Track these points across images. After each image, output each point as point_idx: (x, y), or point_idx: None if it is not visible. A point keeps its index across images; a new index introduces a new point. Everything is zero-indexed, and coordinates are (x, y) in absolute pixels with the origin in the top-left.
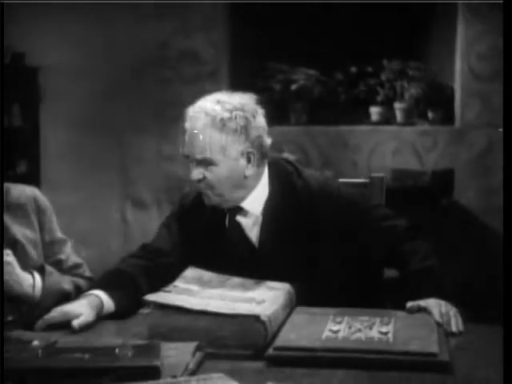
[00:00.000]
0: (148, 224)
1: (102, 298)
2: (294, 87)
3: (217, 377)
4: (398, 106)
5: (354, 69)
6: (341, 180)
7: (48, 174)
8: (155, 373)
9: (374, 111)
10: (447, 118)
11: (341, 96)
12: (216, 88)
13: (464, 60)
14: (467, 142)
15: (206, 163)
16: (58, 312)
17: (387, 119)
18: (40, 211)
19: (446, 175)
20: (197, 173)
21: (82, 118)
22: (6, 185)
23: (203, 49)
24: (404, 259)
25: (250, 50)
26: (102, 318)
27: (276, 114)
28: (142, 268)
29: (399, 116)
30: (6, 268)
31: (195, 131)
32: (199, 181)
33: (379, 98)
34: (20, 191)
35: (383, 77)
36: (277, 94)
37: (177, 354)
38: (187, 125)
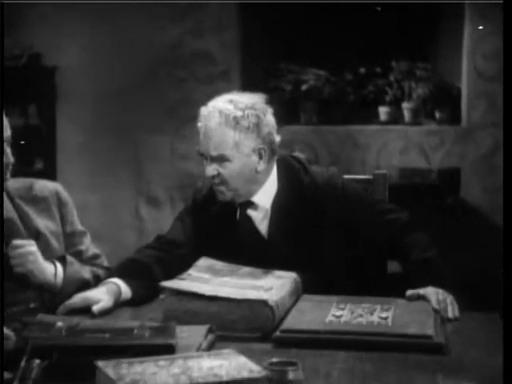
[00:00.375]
0: (161, 220)
1: (120, 285)
2: (304, 87)
3: (226, 352)
4: (405, 105)
5: (362, 69)
6: (346, 176)
7: (64, 171)
8: (170, 351)
9: (383, 111)
10: (454, 117)
11: (350, 96)
12: (228, 87)
13: (470, 61)
14: (473, 142)
15: (220, 159)
16: (78, 298)
17: (395, 119)
18: (61, 205)
19: (453, 174)
20: (211, 169)
21: (97, 117)
22: (30, 180)
23: (216, 49)
24: (405, 251)
25: (261, 51)
26: (119, 304)
27: (286, 114)
28: (156, 258)
29: (407, 116)
30: (29, 257)
31: (210, 130)
32: (214, 177)
33: (387, 98)
34: (43, 186)
35: (391, 77)
36: (287, 94)
37: (190, 335)
38: (201, 124)
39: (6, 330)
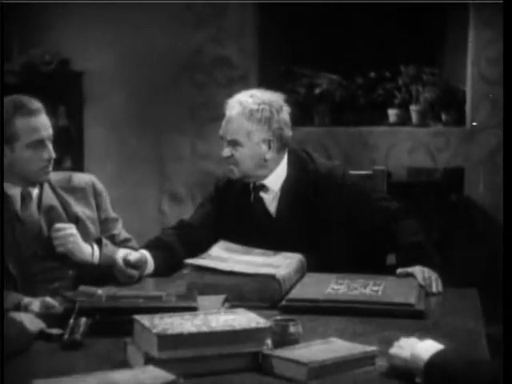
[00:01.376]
0: (183, 215)
1: (147, 255)
2: (317, 91)
3: (239, 310)
4: (413, 108)
5: (372, 74)
6: (351, 172)
7: (91, 169)
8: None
9: (392, 113)
10: (459, 119)
11: (361, 99)
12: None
13: (474, 65)
14: (477, 142)
15: (234, 144)
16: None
17: (404, 121)
18: (97, 194)
19: (456, 172)
20: (227, 150)
21: (122, 118)
22: (68, 173)
23: (234, 55)
24: (396, 235)
25: (277, 56)
26: (142, 276)
27: (301, 116)
28: (177, 237)
29: (415, 118)
30: (69, 239)
31: (230, 117)
32: (228, 157)
33: (396, 101)
34: (80, 178)
35: (400, 81)
36: (302, 97)
37: (209, 303)
38: (226, 112)
39: (50, 300)
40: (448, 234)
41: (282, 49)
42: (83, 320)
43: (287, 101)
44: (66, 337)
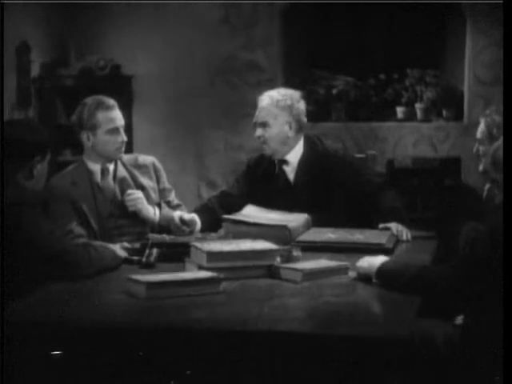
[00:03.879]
0: None
1: (196, 217)
2: (334, 91)
3: (261, 241)
4: (418, 106)
5: (383, 76)
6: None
7: None
8: None
9: (399, 110)
10: (458, 115)
11: (372, 98)
12: None
13: (471, 69)
14: (473, 135)
15: (264, 125)
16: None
17: (410, 117)
18: (156, 170)
19: (453, 162)
20: (259, 130)
21: (166, 116)
22: (135, 154)
23: (263, 60)
24: (379, 200)
25: (299, 61)
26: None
27: (320, 113)
28: (218, 203)
29: (419, 114)
30: (138, 200)
31: (262, 107)
32: (259, 137)
33: (403, 100)
34: (144, 158)
35: (407, 82)
36: (321, 97)
37: None
38: (258, 104)
39: (125, 243)
40: (442, 211)
41: (303, 55)
42: (155, 250)
43: (307, 98)
44: (143, 260)
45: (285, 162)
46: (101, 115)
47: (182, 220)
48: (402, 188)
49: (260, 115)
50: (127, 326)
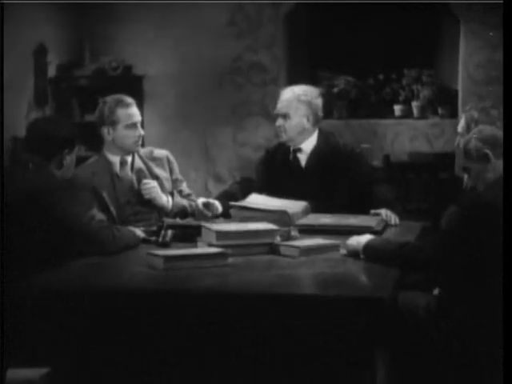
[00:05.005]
0: None
1: (217, 203)
2: (336, 90)
3: (265, 223)
4: (415, 104)
5: (381, 76)
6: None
7: None
8: None
9: (397, 108)
10: (452, 113)
11: (371, 97)
12: (277, 90)
13: (465, 69)
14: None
15: (285, 116)
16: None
17: (407, 114)
18: (170, 162)
19: (447, 156)
20: (279, 120)
21: (175, 113)
22: (150, 148)
23: (267, 61)
24: (374, 190)
25: (302, 62)
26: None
27: (322, 110)
28: (239, 188)
29: (416, 112)
30: (153, 189)
31: (284, 99)
32: (279, 126)
33: (401, 98)
34: (158, 151)
35: (404, 82)
36: (323, 95)
37: None
38: (281, 97)
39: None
40: (435, 202)
41: (306, 55)
42: (169, 231)
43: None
44: (160, 240)
45: (299, 150)
46: (120, 112)
47: (205, 204)
48: (399, 181)
49: (281, 107)
50: (148, 293)
